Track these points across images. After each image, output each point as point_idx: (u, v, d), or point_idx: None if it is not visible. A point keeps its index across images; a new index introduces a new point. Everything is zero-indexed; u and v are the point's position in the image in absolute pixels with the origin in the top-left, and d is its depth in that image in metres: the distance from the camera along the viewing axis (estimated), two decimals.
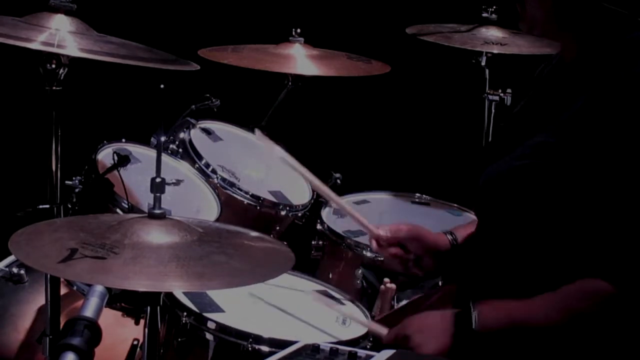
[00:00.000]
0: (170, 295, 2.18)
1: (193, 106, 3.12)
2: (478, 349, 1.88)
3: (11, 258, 2.70)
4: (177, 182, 2.75)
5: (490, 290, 1.94)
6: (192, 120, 3.07)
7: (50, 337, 2.22)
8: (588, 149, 1.79)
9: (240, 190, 2.88)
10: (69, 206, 2.56)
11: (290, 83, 3.33)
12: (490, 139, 3.24)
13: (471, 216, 2.96)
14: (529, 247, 1.89)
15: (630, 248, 1.76)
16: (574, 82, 1.90)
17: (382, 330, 2.07)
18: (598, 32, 1.88)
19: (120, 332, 2.52)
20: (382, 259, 2.72)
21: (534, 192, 1.85)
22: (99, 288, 1.74)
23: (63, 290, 2.36)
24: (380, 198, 3.21)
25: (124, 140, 2.85)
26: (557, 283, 1.83)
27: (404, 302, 2.43)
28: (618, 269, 1.77)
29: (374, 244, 2.28)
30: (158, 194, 1.76)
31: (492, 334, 1.86)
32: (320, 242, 2.91)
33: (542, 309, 1.83)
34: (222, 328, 2.12)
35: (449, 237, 2.23)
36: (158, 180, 1.75)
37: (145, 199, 2.57)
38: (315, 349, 1.74)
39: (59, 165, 2.20)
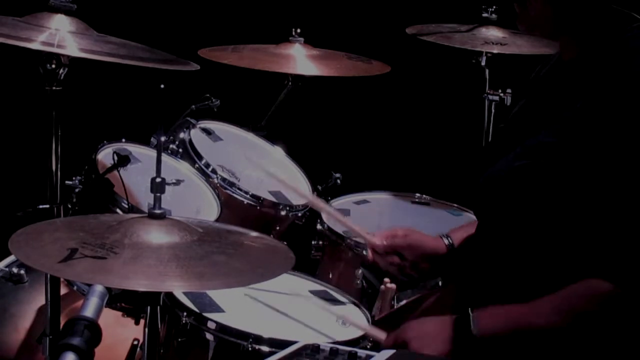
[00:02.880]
0: (170, 295, 2.18)
1: (193, 106, 3.12)
2: (478, 355, 1.87)
3: (11, 258, 2.70)
4: (177, 182, 2.75)
5: (490, 291, 1.94)
6: (192, 120, 3.07)
7: (50, 337, 2.22)
8: (588, 148, 1.78)
9: (240, 190, 2.88)
10: (69, 206, 2.56)
11: (290, 83, 3.34)
12: (490, 140, 3.24)
13: (471, 216, 2.95)
14: (529, 248, 1.88)
15: (631, 246, 1.76)
16: (573, 81, 1.90)
17: (381, 335, 2.07)
18: (598, 31, 1.88)
19: (120, 332, 2.52)
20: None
21: (534, 192, 1.84)
22: (99, 288, 1.74)
23: (63, 290, 2.36)
24: (380, 198, 3.21)
25: (124, 140, 2.85)
26: (557, 283, 1.82)
27: (403, 302, 2.43)
28: (619, 268, 1.76)
29: (369, 254, 2.28)
30: (158, 194, 1.76)
31: (493, 338, 1.86)
32: (320, 242, 2.91)
33: (544, 311, 1.82)
34: (222, 328, 2.12)
35: (445, 240, 2.23)
36: (158, 180, 1.75)
37: (145, 199, 2.57)
38: (315, 349, 1.74)
39: (59, 165, 2.20)
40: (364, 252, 2.76)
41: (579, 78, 1.89)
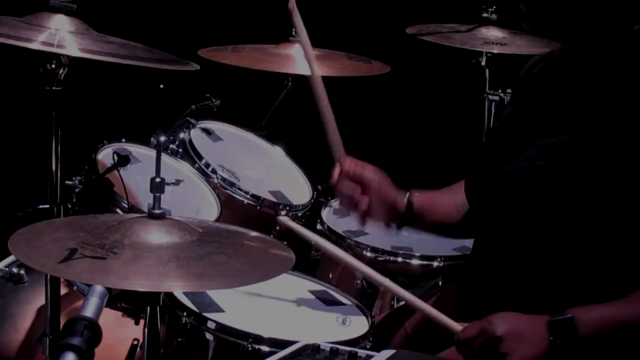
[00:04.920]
0: (170, 295, 2.18)
1: (193, 106, 3.12)
2: (580, 355, 1.83)
3: (11, 258, 2.69)
4: (177, 182, 2.75)
5: (510, 290, 1.93)
6: (192, 120, 3.07)
7: (50, 337, 2.22)
8: (616, 144, 1.79)
9: (240, 190, 2.88)
10: (69, 206, 2.56)
11: (290, 83, 3.34)
12: (484, 141, 3.23)
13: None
14: (552, 245, 1.87)
15: None
16: (582, 78, 1.89)
17: (455, 325, 1.91)
18: (606, 29, 1.88)
19: (120, 332, 2.52)
20: (382, 258, 2.72)
21: (558, 191, 1.84)
22: (99, 288, 1.74)
23: (63, 290, 2.36)
24: None
25: (124, 140, 2.85)
26: (581, 280, 1.83)
27: (403, 302, 2.43)
28: None
29: (335, 174, 2.18)
30: (158, 194, 1.76)
31: (595, 338, 1.81)
32: None
33: None
34: (222, 328, 2.12)
35: (407, 199, 2.19)
36: (158, 180, 1.75)
37: (145, 199, 2.57)
38: (315, 349, 1.74)
39: (59, 165, 2.20)
40: (364, 252, 2.76)
41: (589, 75, 1.88)
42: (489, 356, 1.82)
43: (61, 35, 2.10)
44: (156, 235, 1.72)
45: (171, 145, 2.96)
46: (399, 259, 2.75)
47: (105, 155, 2.70)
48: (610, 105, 1.81)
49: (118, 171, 2.51)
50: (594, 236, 1.83)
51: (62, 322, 1.81)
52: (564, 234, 1.86)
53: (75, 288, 2.53)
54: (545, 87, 2.01)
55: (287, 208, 2.93)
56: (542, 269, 1.88)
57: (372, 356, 1.70)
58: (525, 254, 1.91)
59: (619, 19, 1.88)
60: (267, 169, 3.12)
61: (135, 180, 2.64)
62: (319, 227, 2.92)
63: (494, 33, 3.27)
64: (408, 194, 2.21)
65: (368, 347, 2.15)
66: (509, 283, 1.94)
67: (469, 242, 2.46)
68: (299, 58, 3.13)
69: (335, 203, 3.09)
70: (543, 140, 1.88)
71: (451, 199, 2.25)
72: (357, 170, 2.18)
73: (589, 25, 1.89)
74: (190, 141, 2.96)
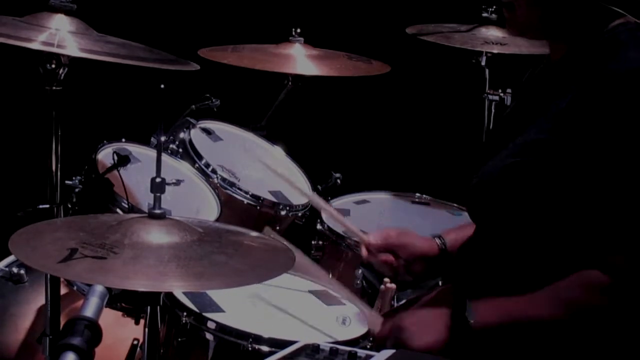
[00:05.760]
0: (170, 295, 2.18)
1: (193, 106, 3.12)
2: (475, 346, 1.88)
3: (11, 258, 2.70)
4: (177, 182, 2.75)
5: (487, 289, 1.95)
6: (192, 120, 3.07)
7: (50, 337, 2.22)
8: (581, 143, 1.79)
9: (240, 190, 2.88)
10: (69, 206, 2.56)
11: (290, 83, 3.34)
12: (483, 142, 3.24)
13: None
14: (524, 244, 1.89)
15: (626, 237, 1.77)
16: (561, 79, 1.91)
17: (378, 323, 2.07)
18: (584, 30, 1.90)
19: (120, 332, 2.52)
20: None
21: (527, 189, 1.85)
22: (99, 288, 1.74)
23: (63, 290, 2.36)
24: (380, 198, 3.21)
25: (124, 140, 2.85)
26: (554, 279, 1.84)
27: (403, 302, 2.43)
28: (614, 260, 1.78)
29: (363, 251, 2.28)
30: (158, 194, 1.76)
31: (490, 330, 1.86)
32: (320, 242, 2.91)
33: (541, 302, 1.84)
34: (222, 328, 2.12)
35: (438, 241, 2.24)
36: (158, 180, 1.75)
37: (145, 199, 2.57)
38: (315, 349, 1.74)
39: (59, 165, 2.20)
40: None
41: (565, 75, 1.90)
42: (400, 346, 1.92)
43: (61, 35, 2.11)
44: (156, 235, 1.72)
45: (171, 145, 2.96)
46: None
47: (105, 155, 2.70)
48: (579, 104, 1.81)
49: (118, 171, 2.51)
50: (569, 233, 1.83)
51: (62, 322, 1.82)
52: (539, 232, 1.86)
53: (75, 288, 2.54)
54: (533, 88, 2.03)
55: (287, 208, 2.93)
56: (524, 266, 1.89)
57: (372, 356, 1.70)
58: (506, 252, 1.92)
59: (593, 16, 1.88)
60: (267, 169, 3.11)
61: (135, 180, 2.64)
62: (319, 227, 2.92)
63: (494, 33, 3.27)
64: (437, 238, 2.25)
65: (368, 347, 2.15)
66: (497, 281, 1.95)
67: None
68: (299, 58, 3.13)
69: (335, 203, 3.09)
70: (520, 139, 1.90)
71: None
72: (382, 241, 2.25)
73: (565, 25, 1.90)
74: (190, 141, 2.96)
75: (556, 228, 1.84)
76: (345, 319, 2.27)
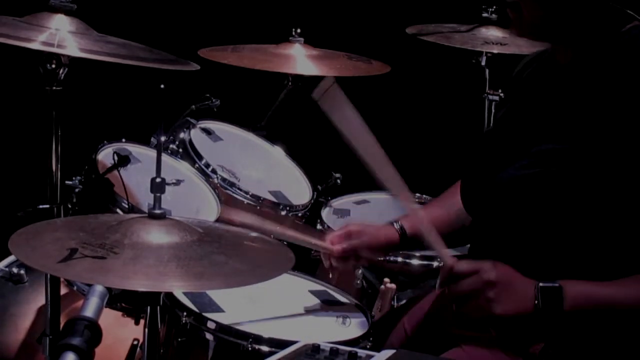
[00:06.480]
0: (170, 295, 2.18)
1: (193, 106, 3.12)
2: (559, 327, 1.84)
3: (11, 258, 2.70)
4: (177, 182, 2.75)
5: None
6: (192, 120, 3.07)
7: (50, 337, 2.22)
8: (607, 152, 1.78)
9: (240, 190, 2.88)
10: (69, 206, 2.56)
11: (290, 83, 3.34)
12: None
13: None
14: (550, 251, 1.87)
15: None
16: (574, 85, 1.89)
17: (449, 257, 1.90)
18: (594, 33, 1.88)
19: (120, 332, 2.52)
20: (382, 258, 2.72)
21: (550, 199, 1.84)
22: (99, 288, 1.74)
23: (63, 290, 2.36)
24: (380, 198, 3.20)
25: (124, 140, 2.85)
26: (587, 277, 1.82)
27: (403, 302, 2.43)
28: None
29: (326, 263, 2.29)
30: (158, 194, 1.76)
31: (578, 313, 1.81)
32: None
33: (634, 290, 1.80)
34: (222, 328, 2.12)
35: (397, 226, 2.27)
36: (158, 180, 1.75)
37: (145, 199, 2.57)
38: (315, 349, 1.74)
39: (59, 165, 2.20)
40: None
41: (580, 82, 1.88)
42: (469, 298, 1.83)
43: (61, 35, 2.11)
44: (156, 235, 1.72)
45: (171, 145, 2.96)
46: (399, 259, 2.74)
47: (105, 155, 2.70)
48: (601, 110, 1.80)
49: (118, 171, 2.51)
50: (588, 241, 1.83)
51: (62, 322, 1.81)
52: (557, 240, 1.85)
53: (75, 288, 2.54)
54: (538, 91, 2.00)
55: (287, 208, 2.93)
56: (536, 273, 1.88)
57: (372, 356, 1.70)
58: (519, 259, 1.90)
59: (604, 18, 1.86)
60: (267, 169, 3.12)
61: (135, 180, 2.64)
62: (319, 227, 2.92)
63: (494, 33, 3.27)
64: (396, 223, 2.27)
65: (368, 347, 2.15)
66: None
67: None
68: (299, 58, 3.13)
69: (335, 203, 3.09)
70: (535, 148, 1.88)
71: (443, 212, 2.28)
72: (345, 246, 2.24)
73: (574, 27, 1.88)
74: (190, 141, 2.96)
75: (578, 236, 1.83)
76: (345, 319, 2.27)
